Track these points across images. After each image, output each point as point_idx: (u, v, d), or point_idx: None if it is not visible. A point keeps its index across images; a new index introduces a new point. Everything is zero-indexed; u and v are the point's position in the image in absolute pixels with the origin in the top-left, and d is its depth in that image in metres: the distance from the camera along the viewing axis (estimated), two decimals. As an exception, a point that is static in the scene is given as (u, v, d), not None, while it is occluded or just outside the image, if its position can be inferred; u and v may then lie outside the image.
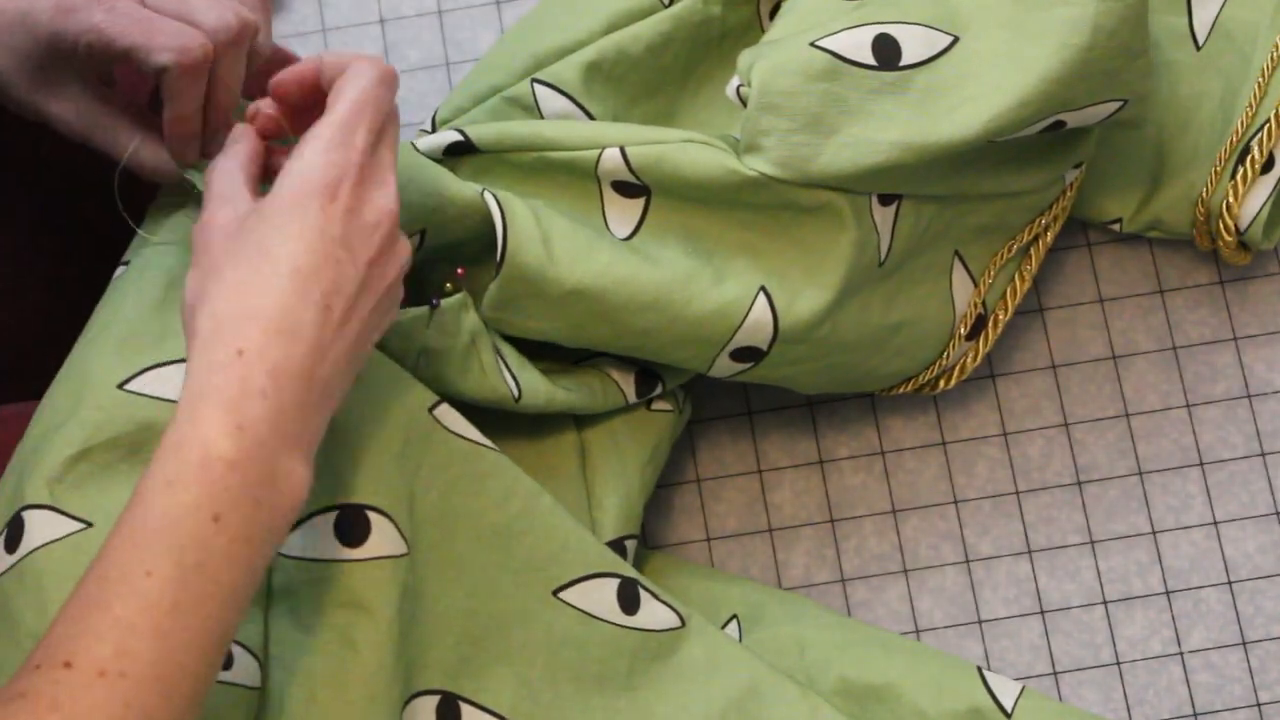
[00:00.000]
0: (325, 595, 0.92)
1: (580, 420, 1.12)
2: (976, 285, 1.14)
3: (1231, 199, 1.15)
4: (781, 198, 1.05)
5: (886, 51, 1.04)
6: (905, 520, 1.20)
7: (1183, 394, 1.22)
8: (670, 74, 1.15)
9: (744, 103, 1.04)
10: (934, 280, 1.13)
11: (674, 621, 1.05)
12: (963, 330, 1.14)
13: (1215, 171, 1.16)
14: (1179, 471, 1.20)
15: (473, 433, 1.01)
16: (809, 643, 1.09)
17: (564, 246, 1.03)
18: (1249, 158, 1.14)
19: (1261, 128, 1.14)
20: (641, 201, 1.07)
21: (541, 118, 1.11)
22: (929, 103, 1.04)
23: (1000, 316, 1.15)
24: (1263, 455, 1.20)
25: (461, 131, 1.06)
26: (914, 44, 1.04)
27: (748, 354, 1.07)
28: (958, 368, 1.15)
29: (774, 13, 1.17)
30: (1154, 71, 1.08)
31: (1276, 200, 1.16)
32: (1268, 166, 1.14)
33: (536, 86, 1.11)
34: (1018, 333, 1.23)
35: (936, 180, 1.08)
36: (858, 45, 1.03)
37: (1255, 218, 1.15)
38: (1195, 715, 1.16)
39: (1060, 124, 1.07)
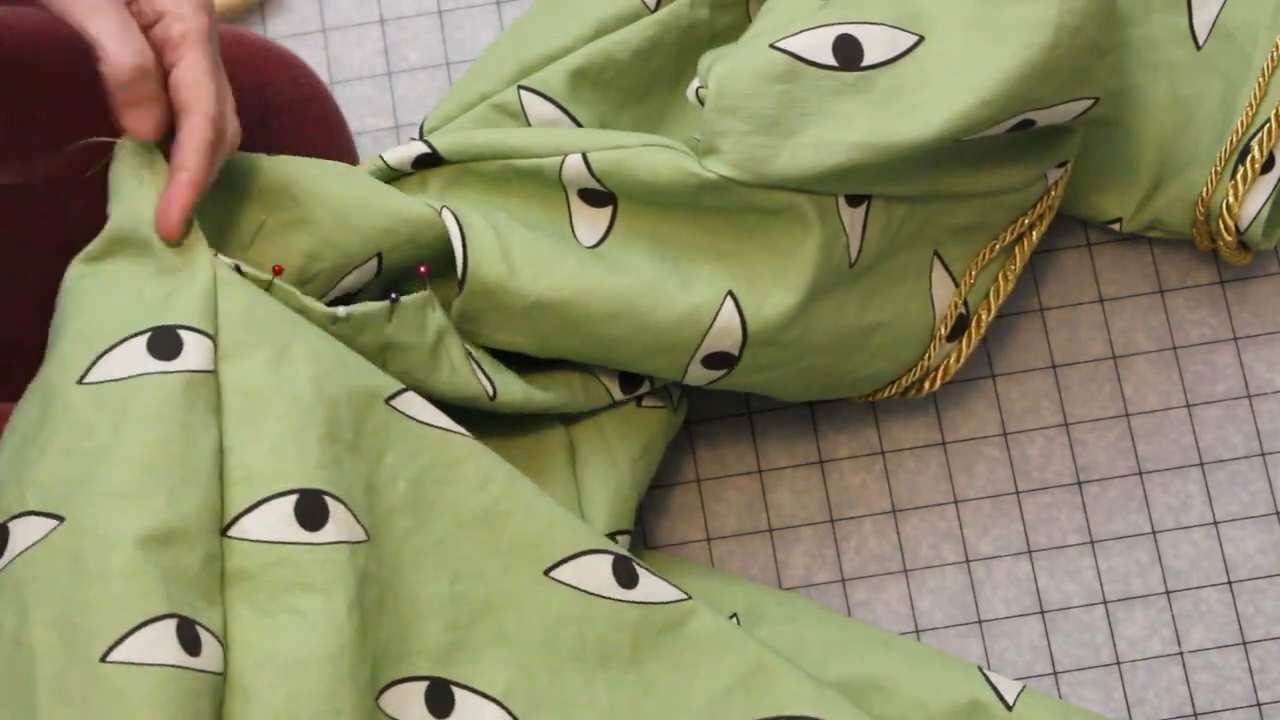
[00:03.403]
0: (283, 578, 0.92)
1: (568, 418, 1.12)
2: (957, 285, 1.14)
3: (1231, 199, 1.15)
4: (744, 200, 1.04)
5: (848, 52, 1.03)
6: (905, 520, 1.20)
7: (1183, 394, 1.22)
8: (660, 78, 1.15)
9: (702, 104, 1.04)
10: (912, 281, 1.12)
11: (678, 594, 1.04)
12: (943, 331, 1.13)
13: (1215, 171, 1.16)
14: (1179, 471, 1.20)
15: (441, 419, 1.01)
16: (808, 641, 1.09)
17: (525, 259, 1.02)
18: (1249, 157, 1.14)
19: (1262, 128, 1.14)
20: (609, 210, 1.06)
21: (529, 124, 1.11)
22: (890, 103, 1.03)
23: (983, 316, 1.15)
24: (1263, 455, 1.20)
25: (428, 143, 1.06)
26: (876, 44, 1.04)
27: (720, 360, 1.07)
28: (941, 369, 1.15)
29: None
30: (1124, 69, 1.07)
31: (1276, 200, 1.16)
32: (1268, 166, 1.14)
33: (523, 93, 1.11)
34: (1018, 333, 1.23)
35: (906, 180, 1.07)
36: (818, 46, 1.03)
37: (1255, 218, 1.15)
38: (1195, 715, 1.16)
39: (1029, 123, 1.06)
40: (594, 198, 1.06)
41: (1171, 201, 1.18)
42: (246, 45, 1.09)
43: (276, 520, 0.92)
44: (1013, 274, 1.15)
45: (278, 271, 0.97)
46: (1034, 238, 1.15)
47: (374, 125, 1.29)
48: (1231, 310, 1.23)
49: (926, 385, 1.15)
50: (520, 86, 1.11)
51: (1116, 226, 1.20)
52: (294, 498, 0.93)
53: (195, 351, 0.93)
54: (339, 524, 0.93)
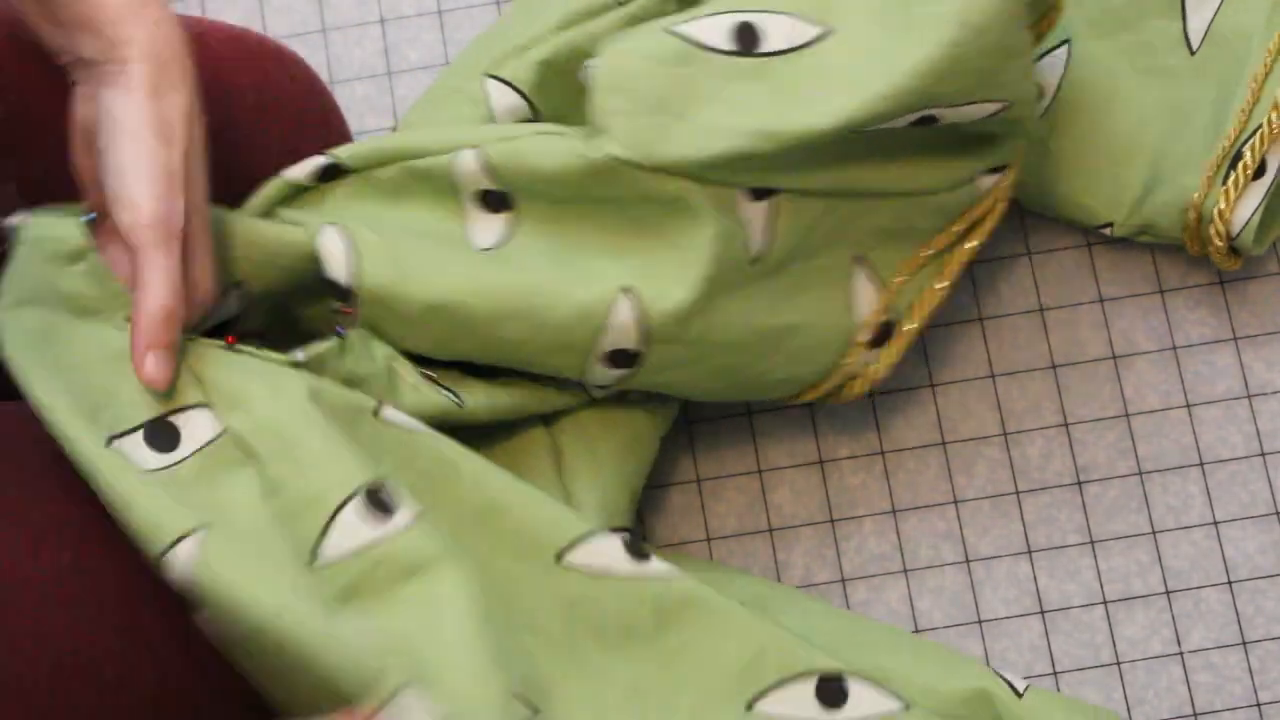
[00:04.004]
0: (389, 575, 0.92)
1: (550, 422, 1.11)
2: (884, 291, 1.12)
3: (1223, 205, 1.15)
4: (636, 189, 1.03)
5: (747, 38, 1.03)
6: (905, 520, 1.20)
7: (1183, 394, 1.21)
8: None
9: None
10: (830, 285, 1.11)
11: (684, 574, 1.04)
12: (864, 338, 1.12)
13: (1207, 177, 1.15)
14: (1179, 471, 1.20)
15: (426, 428, 1.01)
16: (816, 630, 1.09)
17: (415, 264, 1.01)
18: (1241, 164, 1.14)
19: (1254, 134, 1.14)
20: (505, 215, 1.05)
21: (492, 114, 1.11)
22: (786, 92, 1.03)
23: (907, 326, 1.12)
24: (1263, 455, 1.20)
25: (331, 154, 1.06)
26: (778, 32, 1.03)
27: (622, 358, 1.06)
28: (861, 377, 1.13)
29: None
30: (1034, 75, 1.07)
31: (1268, 205, 1.16)
32: (1259, 172, 1.14)
33: (488, 81, 1.11)
34: (1017, 333, 1.23)
35: (811, 173, 1.06)
36: (716, 30, 1.03)
37: (1246, 224, 1.15)
38: (1195, 715, 1.16)
39: (931, 119, 1.05)
40: (490, 202, 1.05)
41: (1163, 207, 1.18)
42: (245, 44, 1.09)
43: (354, 526, 0.93)
44: (941, 286, 1.12)
45: (231, 341, 0.97)
46: (966, 247, 1.13)
47: (374, 125, 1.29)
48: (1231, 310, 1.23)
49: (844, 392, 1.13)
50: (486, 74, 1.11)
51: (1108, 231, 1.20)
52: (358, 499, 0.93)
53: (196, 429, 0.94)
54: (405, 503, 0.94)
